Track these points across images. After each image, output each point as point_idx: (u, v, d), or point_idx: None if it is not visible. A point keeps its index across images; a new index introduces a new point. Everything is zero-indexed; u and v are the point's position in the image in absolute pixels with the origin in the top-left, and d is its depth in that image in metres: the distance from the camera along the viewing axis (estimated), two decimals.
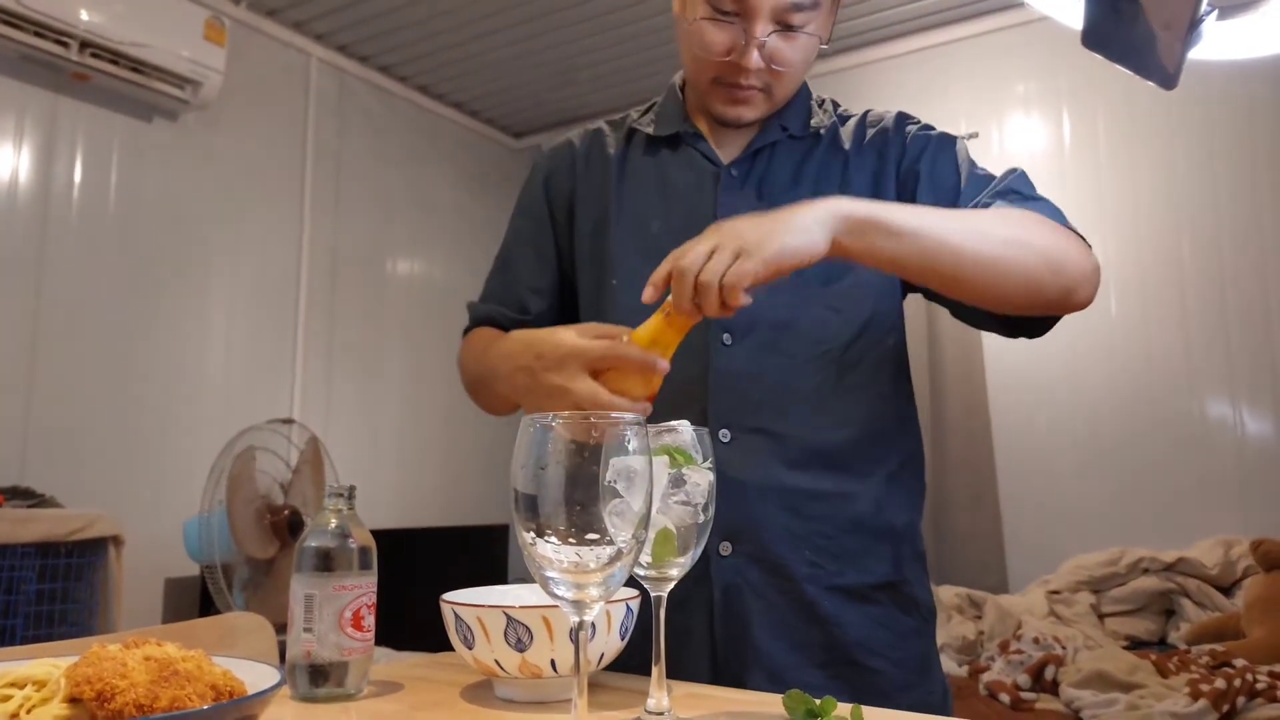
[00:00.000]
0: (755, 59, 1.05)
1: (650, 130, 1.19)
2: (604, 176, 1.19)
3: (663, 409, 0.97)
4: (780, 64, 1.06)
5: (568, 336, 0.92)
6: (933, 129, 1.15)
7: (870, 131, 1.15)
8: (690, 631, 1.03)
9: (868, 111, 1.19)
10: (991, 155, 3.77)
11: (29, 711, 0.61)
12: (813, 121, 1.16)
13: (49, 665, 0.65)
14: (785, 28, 1.05)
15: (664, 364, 0.85)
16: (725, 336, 1.05)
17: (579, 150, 1.23)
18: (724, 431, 1.03)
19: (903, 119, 1.17)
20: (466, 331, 1.24)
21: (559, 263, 1.22)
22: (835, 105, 1.21)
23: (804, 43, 1.07)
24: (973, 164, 1.11)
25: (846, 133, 1.16)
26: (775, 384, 1.04)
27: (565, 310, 1.23)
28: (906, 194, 1.10)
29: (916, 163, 1.11)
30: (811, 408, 1.05)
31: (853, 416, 1.07)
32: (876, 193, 1.10)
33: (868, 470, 1.07)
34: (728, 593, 1.02)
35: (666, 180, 1.16)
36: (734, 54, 1.05)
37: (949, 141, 1.13)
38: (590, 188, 1.20)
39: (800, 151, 1.15)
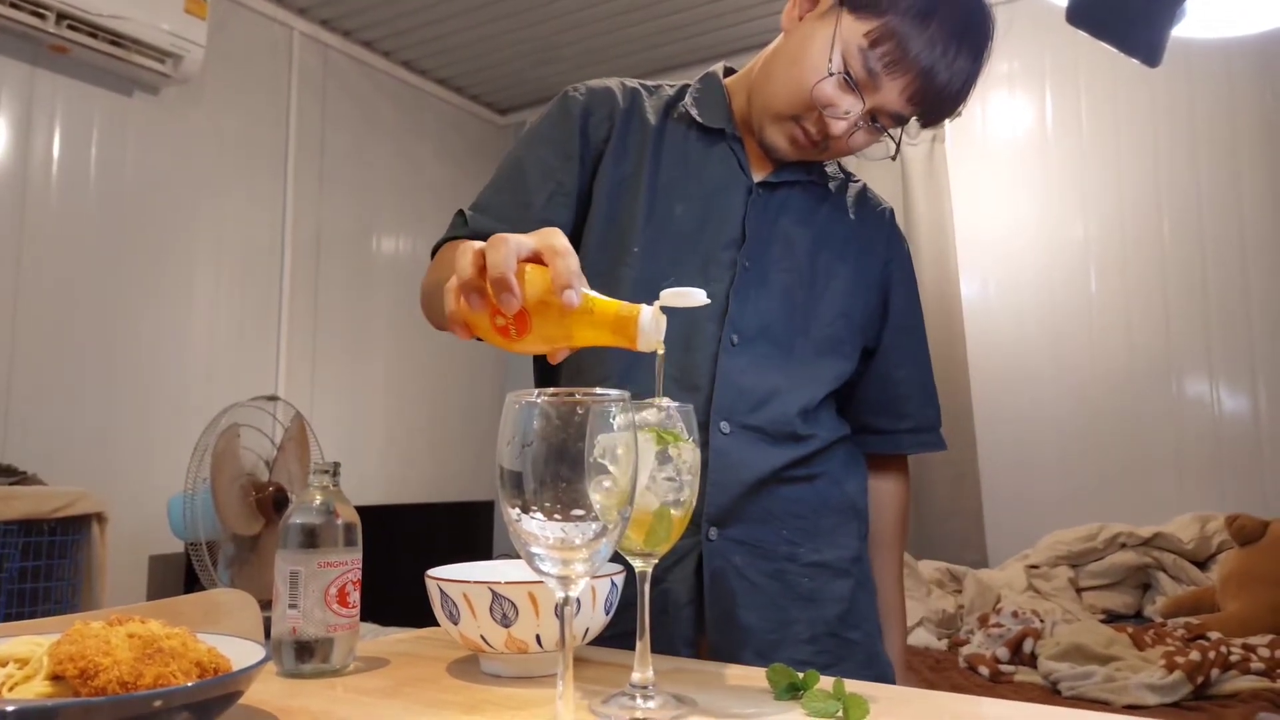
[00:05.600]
0: (842, 129, 1.07)
1: (696, 115, 1.18)
2: (641, 139, 1.16)
3: (670, 397, 1.03)
4: (853, 146, 1.12)
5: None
6: (909, 256, 1.29)
7: (873, 214, 1.25)
8: (667, 611, 1.05)
9: (865, 186, 1.28)
10: (974, 135, 3.77)
11: (11, 689, 0.61)
12: (829, 169, 1.24)
13: (31, 643, 0.65)
14: (873, 122, 1.09)
15: (576, 299, 0.69)
16: (734, 337, 1.09)
17: (619, 103, 1.18)
18: (724, 424, 1.07)
19: (897, 230, 1.28)
20: (447, 240, 1.13)
21: (576, 207, 1.15)
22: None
23: (873, 140, 1.12)
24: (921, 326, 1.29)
25: (851, 199, 1.24)
26: (771, 388, 1.10)
27: None
28: (882, 297, 1.24)
29: (890, 285, 1.25)
30: (800, 411, 1.11)
31: (828, 418, 1.16)
32: (860, 270, 1.20)
33: (831, 453, 1.15)
34: (716, 576, 1.05)
35: (700, 170, 1.16)
36: (830, 111, 1.07)
37: (915, 283, 1.29)
38: (624, 144, 1.16)
39: (813, 197, 1.20)
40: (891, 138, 1.11)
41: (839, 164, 1.27)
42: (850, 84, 1.06)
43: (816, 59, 1.06)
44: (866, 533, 1.20)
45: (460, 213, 1.14)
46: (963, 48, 1.06)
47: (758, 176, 1.17)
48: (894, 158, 1.14)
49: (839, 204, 1.22)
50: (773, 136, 1.13)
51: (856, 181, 1.27)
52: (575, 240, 1.15)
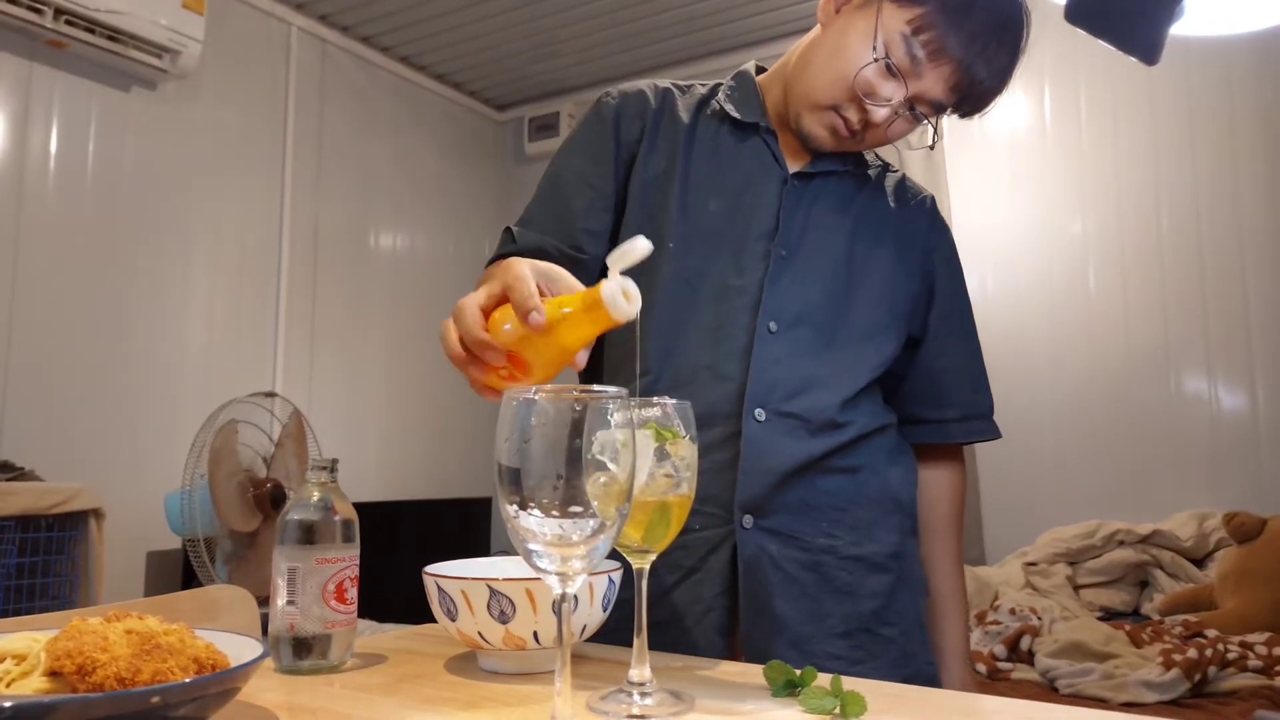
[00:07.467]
0: (883, 116, 1.08)
1: (733, 111, 1.19)
2: (673, 137, 1.18)
3: (703, 386, 1.07)
4: (891, 135, 1.12)
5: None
6: (954, 243, 1.28)
7: (912, 202, 1.25)
8: (701, 600, 1.05)
9: (905, 175, 1.28)
10: (973, 131, 3.76)
11: (9, 685, 0.61)
12: (867, 157, 1.24)
13: (29, 639, 0.65)
14: (911, 110, 1.10)
15: (541, 318, 0.71)
16: (771, 324, 1.09)
17: (652, 103, 1.20)
18: (759, 411, 1.06)
19: (939, 218, 1.27)
20: (497, 259, 1.11)
21: (615, 210, 1.17)
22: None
23: (910, 130, 1.13)
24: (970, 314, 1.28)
25: (890, 187, 1.24)
26: (810, 375, 1.09)
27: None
28: (927, 284, 1.23)
29: (934, 272, 1.24)
30: (838, 398, 1.10)
31: (869, 406, 1.15)
32: (900, 258, 1.19)
33: (872, 443, 1.13)
34: (750, 565, 1.05)
35: (732, 164, 1.17)
36: (871, 99, 1.08)
37: (960, 271, 1.27)
38: (657, 142, 1.18)
39: (850, 185, 1.20)
40: (932, 124, 1.12)
41: (876, 154, 1.27)
42: (892, 70, 1.07)
43: (858, 47, 1.08)
44: (913, 527, 1.17)
45: (508, 229, 1.16)
46: (1002, 39, 1.08)
47: (793, 168, 1.17)
48: (932, 147, 1.14)
49: (877, 191, 1.22)
50: (811, 126, 1.13)
51: (895, 171, 1.27)
52: (613, 241, 1.16)
